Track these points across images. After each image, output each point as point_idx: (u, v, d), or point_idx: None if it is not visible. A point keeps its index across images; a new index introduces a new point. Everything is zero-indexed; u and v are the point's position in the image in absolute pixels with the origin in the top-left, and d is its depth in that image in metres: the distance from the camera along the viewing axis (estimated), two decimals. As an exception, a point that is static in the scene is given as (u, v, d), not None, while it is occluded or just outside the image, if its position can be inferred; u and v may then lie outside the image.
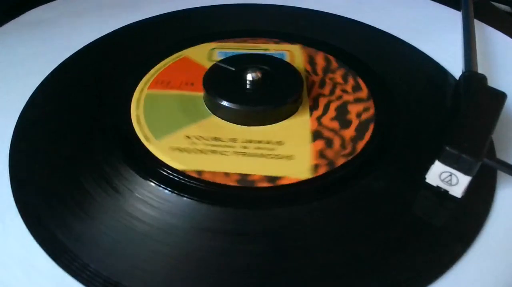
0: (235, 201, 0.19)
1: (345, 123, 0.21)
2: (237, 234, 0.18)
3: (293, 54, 0.26)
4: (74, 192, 0.19)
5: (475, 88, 0.22)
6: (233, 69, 0.23)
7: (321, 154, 0.20)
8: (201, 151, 0.20)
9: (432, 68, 0.27)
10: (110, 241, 0.17)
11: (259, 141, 0.21)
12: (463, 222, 0.19)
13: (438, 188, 0.19)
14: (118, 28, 0.29)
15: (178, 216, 0.18)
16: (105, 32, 0.29)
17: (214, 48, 0.26)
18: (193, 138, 0.21)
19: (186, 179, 0.19)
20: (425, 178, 0.19)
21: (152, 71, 0.25)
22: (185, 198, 0.19)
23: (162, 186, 0.19)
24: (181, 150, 0.20)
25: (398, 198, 0.19)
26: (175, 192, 0.19)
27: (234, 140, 0.21)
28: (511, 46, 0.29)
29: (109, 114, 0.23)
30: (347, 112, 0.22)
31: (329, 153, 0.20)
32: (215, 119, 0.22)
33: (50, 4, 0.32)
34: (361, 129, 0.21)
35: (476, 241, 0.18)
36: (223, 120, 0.22)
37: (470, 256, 0.17)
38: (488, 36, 0.30)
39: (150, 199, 0.19)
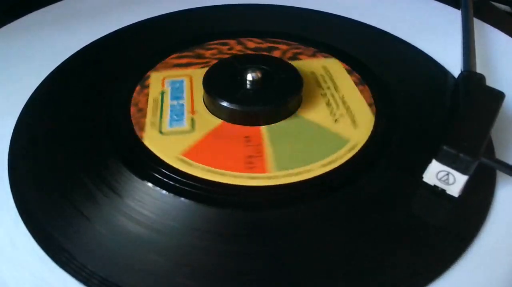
0: (232, 203, 0.19)
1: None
2: (232, 235, 0.18)
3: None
4: (73, 191, 0.19)
5: (473, 88, 0.22)
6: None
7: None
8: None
9: (431, 68, 0.27)
10: (107, 241, 0.18)
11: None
12: (463, 221, 0.18)
13: (435, 187, 0.19)
14: (120, 28, 0.30)
15: (175, 217, 0.18)
16: (105, 33, 0.29)
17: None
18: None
19: (184, 180, 0.19)
20: (422, 177, 0.19)
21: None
22: (182, 199, 0.19)
23: (158, 186, 0.19)
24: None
25: (396, 197, 0.19)
26: (172, 193, 0.19)
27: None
28: (511, 46, 0.29)
29: (109, 113, 0.23)
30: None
31: None
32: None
33: (50, 6, 0.32)
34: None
35: (476, 241, 0.18)
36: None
37: (469, 256, 0.17)
38: (488, 36, 0.30)
39: (147, 200, 0.19)
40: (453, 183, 0.18)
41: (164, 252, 0.17)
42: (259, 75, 0.22)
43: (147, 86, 0.24)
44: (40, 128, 0.22)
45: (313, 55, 0.26)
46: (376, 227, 0.18)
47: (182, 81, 0.25)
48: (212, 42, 0.28)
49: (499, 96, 0.21)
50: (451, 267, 0.17)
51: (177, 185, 0.19)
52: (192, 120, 0.22)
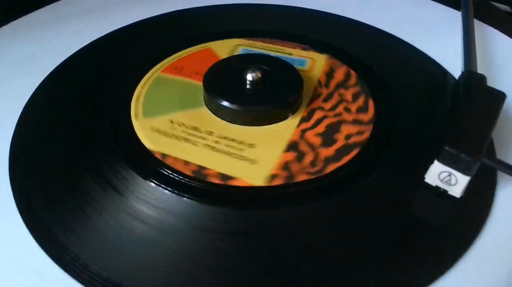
0: (231, 200, 0.19)
1: (328, 142, 0.21)
2: (234, 233, 0.18)
3: (315, 62, 0.25)
4: (75, 191, 0.19)
5: (474, 88, 0.22)
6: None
7: (285, 166, 0.20)
8: (176, 137, 0.21)
9: (432, 68, 0.27)
10: (110, 240, 0.17)
11: (233, 140, 0.21)
12: (464, 222, 0.19)
13: (437, 187, 0.19)
14: (126, 25, 0.30)
15: (178, 216, 0.18)
16: (106, 32, 0.29)
17: (239, 45, 0.27)
18: (175, 123, 0.21)
19: (186, 179, 0.19)
20: (424, 178, 0.19)
21: (173, 56, 0.26)
22: (185, 198, 0.19)
23: (162, 186, 0.19)
24: (159, 132, 0.21)
25: (398, 198, 0.19)
26: (175, 192, 0.19)
27: (210, 133, 0.21)
28: (511, 46, 0.29)
29: (109, 113, 0.23)
30: (337, 131, 0.21)
31: (294, 167, 0.20)
32: (204, 111, 0.22)
33: (50, 6, 0.32)
34: (342, 151, 0.20)
35: (476, 241, 0.18)
36: (211, 113, 0.22)
37: (470, 256, 0.17)
38: (488, 36, 0.30)
39: (149, 199, 0.19)
40: (455, 184, 0.18)
41: (168, 250, 0.17)
42: (259, 75, 0.22)
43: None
44: (40, 128, 0.22)
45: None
46: (378, 228, 0.18)
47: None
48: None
49: (500, 96, 0.21)
50: (452, 267, 0.17)
51: (180, 182, 0.19)
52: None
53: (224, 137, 0.21)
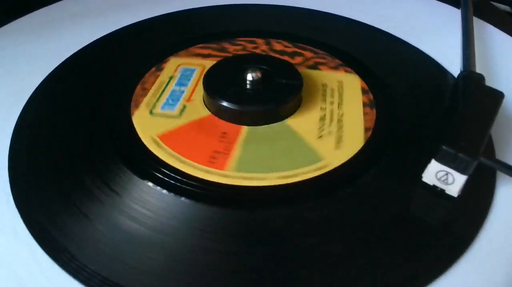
0: (232, 201, 0.19)
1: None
2: (232, 234, 0.18)
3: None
4: (73, 191, 0.19)
5: (473, 88, 0.22)
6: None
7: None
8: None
9: (431, 68, 0.27)
10: (108, 241, 0.18)
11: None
12: (463, 221, 0.18)
13: (434, 187, 0.19)
14: (119, 28, 0.30)
15: (175, 216, 0.18)
16: (106, 32, 0.29)
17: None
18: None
19: (184, 179, 0.19)
20: (421, 177, 0.19)
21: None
22: (182, 199, 0.19)
23: (159, 186, 0.19)
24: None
25: (396, 197, 0.19)
26: (173, 192, 0.19)
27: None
28: (511, 46, 0.29)
29: (109, 112, 0.23)
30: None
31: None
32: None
33: (50, 6, 0.32)
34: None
35: (476, 241, 0.18)
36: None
37: (469, 256, 0.17)
38: (488, 36, 0.29)
39: (147, 199, 0.19)
40: (452, 183, 0.18)
41: (166, 250, 0.17)
42: (259, 75, 0.22)
43: (161, 69, 0.25)
44: (40, 128, 0.22)
45: (335, 68, 0.26)
46: (375, 228, 0.18)
47: (194, 70, 0.25)
48: (241, 38, 0.28)
49: (498, 96, 0.21)
50: (450, 268, 0.17)
51: (145, 165, 0.20)
52: (184, 107, 0.23)
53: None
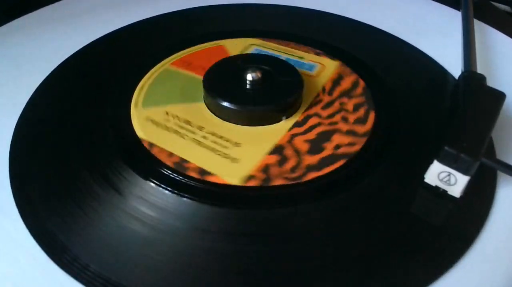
0: (232, 201, 0.19)
1: (315, 150, 0.20)
2: (233, 234, 0.18)
3: (324, 68, 0.25)
4: (74, 191, 0.19)
5: (474, 89, 0.22)
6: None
7: (264, 169, 0.20)
8: (167, 128, 0.21)
9: (432, 68, 0.27)
10: (110, 240, 0.18)
11: (220, 137, 0.21)
12: (464, 222, 0.18)
13: (436, 188, 0.19)
14: (119, 28, 0.30)
15: (178, 216, 0.18)
16: (107, 31, 0.29)
17: (252, 44, 0.27)
18: (170, 115, 0.22)
19: (186, 179, 0.19)
20: (424, 178, 0.19)
21: (184, 51, 0.26)
22: (185, 198, 0.19)
23: (162, 185, 0.19)
24: (153, 122, 0.22)
25: (398, 198, 0.19)
26: (175, 192, 0.19)
27: (200, 128, 0.21)
28: (511, 46, 0.29)
29: (109, 112, 0.23)
30: (327, 140, 0.21)
31: (274, 171, 0.20)
32: (201, 106, 0.23)
33: (50, 6, 0.32)
34: (326, 161, 0.20)
35: (477, 241, 0.18)
36: (207, 109, 0.22)
37: (470, 257, 0.17)
38: (488, 36, 0.30)
39: (150, 199, 0.19)
40: (454, 184, 0.18)
41: (168, 251, 0.17)
42: (259, 75, 0.22)
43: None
44: (40, 128, 0.22)
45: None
46: (378, 228, 0.18)
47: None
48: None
49: (500, 96, 0.21)
50: (451, 268, 0.17)
51: (180, 182, 0.19)
52: None
53: (213, 134, 0.21)
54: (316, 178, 0.19)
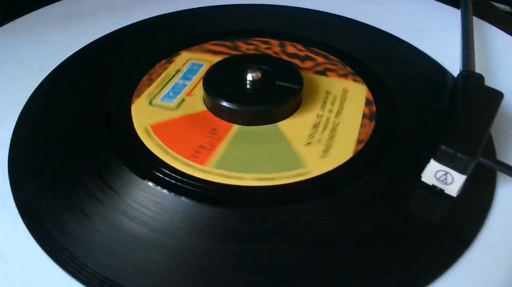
0: (231, 201, 0.19)
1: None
2: (233, 234, 0.18)
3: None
4: (73, 191, 0.19)
5: (472, 88, 0.22)
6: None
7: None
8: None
9: (431, 68, 0.27)
10: (108, 241, 0.18)
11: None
12: (463, 222, 0.18)
13: (433, 187, 0.19)
14: (119, 28, 0.30)
15: (175, 216, 0.18)
16: (106, 32, 0.29)
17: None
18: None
19: (184, 179, 0.19)
20: (421, 177, 0.19)
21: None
22: (183, 198, 0.19)
23: (160, 186, 0.19)
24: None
25: (398, 198, 0.19)
26: (173, 192, 0.19)
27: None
28: (511, 45, 0.29)
29: (109, 112, 0.23)
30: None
31: None
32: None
33: (50, 6, 0.32)
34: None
35: (476, 241, 0.18)
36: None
37: (469, 256, 0.17)
38: (488, 36, 0.29)
39: (147, 199, 0.19)
40: (451, 183, 0.18)
41: (165, 251, 0.17)
42: (259, 75, 0.22)
43: (171, 62, 0.26)
44: (40, 128, 0.22)
45: (345, 76, 0.25)
46: (375, 228, 0.18)
47: (201, 65, 0.25)
48: (256, 38, 0.28)
49: (498, 96, 0.21)
50: (450, 268, 0.17)
51: (178, 182, 0.19)
52: (182, 100, 0.23)
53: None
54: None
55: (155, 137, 0.21)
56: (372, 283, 0.16)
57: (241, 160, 0.20)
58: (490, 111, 0.20)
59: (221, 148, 0.21)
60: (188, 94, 0.23)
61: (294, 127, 0.22)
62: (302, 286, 0.16)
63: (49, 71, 0.26)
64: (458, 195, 0.19)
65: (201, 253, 0.17)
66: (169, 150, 0.20)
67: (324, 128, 0.22)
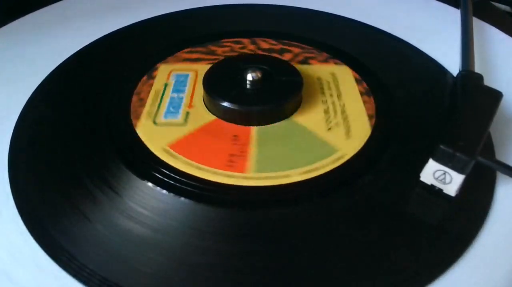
0: (231, 202, 0.19)
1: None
2: (234, 235, 0.18)
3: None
4: (73, 191, 0.19)
5: (471, 88, 0.22)
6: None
7: None
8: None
9: (431, 68, 0.27)
10: (107, 241, 0.18)
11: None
12: (463, 222, 0.18)
13: (432, 186, 0.19)
14: (119, 28, 0.30)
15: (175, 217, 0.18)
16: (106, 32, 0.29)
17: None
18: None
19: (183, 179, 0.19)
20: (419, 177, 0.19)
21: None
22: (182, 198, 0.19)
23: (159, 186, 0.19)
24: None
25: (398, 198, 0.19)
26: (172, 192, 0.19)
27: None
28: (510, 45, 0.29)
29: (109, 112, 0.23)
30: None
31: None
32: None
33: (50, 6, 0.32)
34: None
35: (476, 241, 0.18)
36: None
37: (469, 257, 0.17)
38: (487, 35, 0.29)
39: (147, 200, 0.19)
40: (449, 182, 0.18)
41: (165, 251, 0.17)
42: (259, 75, 0.22)
43: (153, 77, 0.25)
44: (40, 128, 0.22)
45: (325, 61, 0.26)
46: (374, 228, 0.18)
47: (187, 75, 0.25)
48: (226, 40, 0.28)
49: (497, 95, 0.21)
50: (450, 268, 0.17)
51: (158, 175, 0.19)
52: (187, 114, 0.22)
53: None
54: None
55: (180, 156, 0.20)
56: (372, 283, 0.16)
57: (277, 158, 0.20)
58: (489, 111, 0.20)
59: (253, 151, 0.20)
60: (189, 106, 0.23)
61: (309, 118, 0.22)
62: (302, 286, 0.16)
63: (49, 71, 0.26)
64: (456, 195, 0.19)
65: (201, 253, 0.17)
66: (201, 166, 0.20)
67: (335, 111, 0.22)
